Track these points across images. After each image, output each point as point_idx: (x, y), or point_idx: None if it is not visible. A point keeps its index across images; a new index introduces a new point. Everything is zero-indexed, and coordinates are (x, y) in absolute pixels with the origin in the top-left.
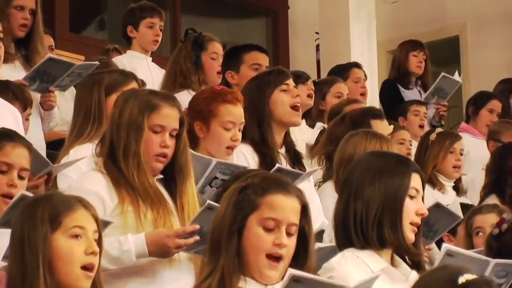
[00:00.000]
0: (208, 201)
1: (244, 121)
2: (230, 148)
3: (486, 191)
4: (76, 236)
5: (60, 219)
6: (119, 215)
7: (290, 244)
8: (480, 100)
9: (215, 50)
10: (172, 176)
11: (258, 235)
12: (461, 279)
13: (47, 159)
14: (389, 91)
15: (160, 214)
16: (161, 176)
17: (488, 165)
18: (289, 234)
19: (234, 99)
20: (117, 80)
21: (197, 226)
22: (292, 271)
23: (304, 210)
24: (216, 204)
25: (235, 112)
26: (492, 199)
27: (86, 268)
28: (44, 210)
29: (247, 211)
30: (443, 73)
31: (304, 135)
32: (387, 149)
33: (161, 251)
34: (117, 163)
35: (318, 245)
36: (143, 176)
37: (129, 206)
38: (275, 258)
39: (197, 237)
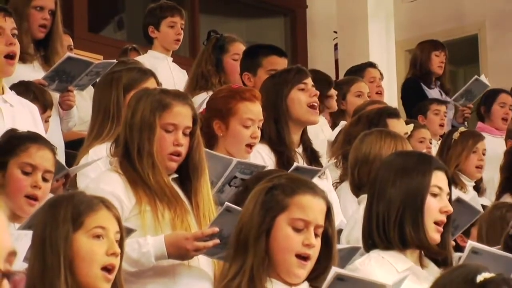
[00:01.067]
0: (227, 203)
1: (263, 119)
2: (249, 146)
3: (500, 190)
4: (97, 237)
5: (82, 219)
6: (137, 215)
7: (317, 244)
8: (488, 98)
9: (237, 51)
10: (187, 174)
11: (288, 236)
12: (479, 278)
13: (62, 163)
14: (413, 90)
15: (177, 214)
16: (176, 175)
17: (501, 164)
18: (315, 235)
19: (252, 96)
20: (135, 77)
21: (216, 229)
22: (336, 270)
23: (328, 212)
24: (235, 206)
25: (254, 110)
26: (506, 199)
27: (107, 269)
28: (66, 210)
29: (276, 211)
30: (476, 76)
31: (326, 134)
32: (402, 148)
33: (179, 254)
34: (132, 163)
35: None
36: (158, 176)
37: (147, 206)
38: (304, 258)
39: (216, 241)
